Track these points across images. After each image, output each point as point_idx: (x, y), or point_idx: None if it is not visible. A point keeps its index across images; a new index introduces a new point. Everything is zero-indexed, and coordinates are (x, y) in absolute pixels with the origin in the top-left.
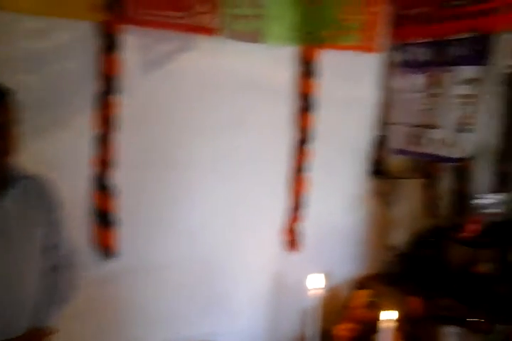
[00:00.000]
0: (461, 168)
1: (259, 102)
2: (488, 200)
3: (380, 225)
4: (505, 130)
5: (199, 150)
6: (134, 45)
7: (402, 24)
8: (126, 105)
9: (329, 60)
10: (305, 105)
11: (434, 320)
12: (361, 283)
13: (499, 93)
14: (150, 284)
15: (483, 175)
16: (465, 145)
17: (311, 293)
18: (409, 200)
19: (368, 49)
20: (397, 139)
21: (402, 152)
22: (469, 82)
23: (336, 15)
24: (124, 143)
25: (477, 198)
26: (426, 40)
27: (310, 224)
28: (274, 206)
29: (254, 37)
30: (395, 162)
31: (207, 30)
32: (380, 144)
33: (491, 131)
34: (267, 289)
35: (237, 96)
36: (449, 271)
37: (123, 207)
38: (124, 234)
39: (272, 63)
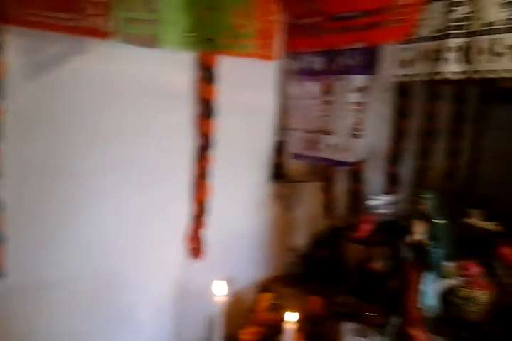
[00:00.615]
0: (355, 171)
1: (159, 108)
2: (380, 201)
3: (282, 228)
4: (394, 135)
5: (95, 159)
6: (19, 47)
7: (295, 34)
8: (12, 111)
9: (228, 66)
10: (205, 111)
11: (334, 318)
12: (265, 286)
13: (387, 100)
14: (44, 303)
15: (375, 177)
16: (357, 149)
17: (215, 299)
18: (309, 203)
19: (265, 57)
20: (296, 144)
21: (300, 157)
22: (360, 90)
23: (231, 22)
24: (10, 152)
25: (369, 199)
26: (319, 50)
27: (213, 231)
28: (178, 213)
29: (149, 41)
30: (294, 166)
31: (99, 34)
32: (280, 149)
33: (381, 136)
34: (172, 298)
35: (136, 102)
36: (346, 269)
37: (10, 222)
38: (12, 252)
39: (171, 69)
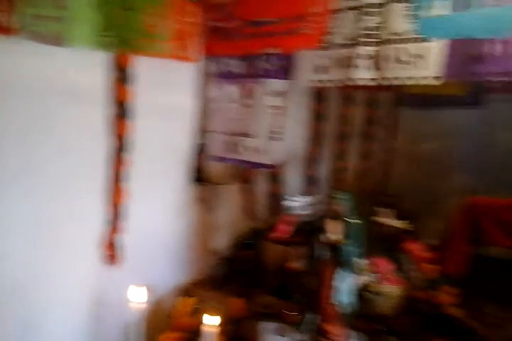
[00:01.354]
0: (274, 173)
1: (71, 108)
2: (297, 202)
3: (204, 231)
4: (311, 138)
5: (1, 162)
6: None
7: (213, 37)
8: None
9: (146, 67)
10: (121, 112)
11: (255, 318)
12: (186, 291)
13: (304, 104)
14: None
15: (293, 178)
16: (276, 152)
17: (132, 306)
18: (230, 205)
19: (183, 58)
20: (216, 147)
21: (220, 159)
22: (278, 94)
23: (146, 23)
24: None
25: (287, 200)
26: (237, 54)
27: (132, 235)
28: (93, 218)
29: (56, 39)
30: (215, 169)
31: (3, 30)
32: (200, 152)
33: (299, 139)
34: (87, 307)
35: (45, 102)
36: (267, 269)
37: None
38: None
39: (84, 68)
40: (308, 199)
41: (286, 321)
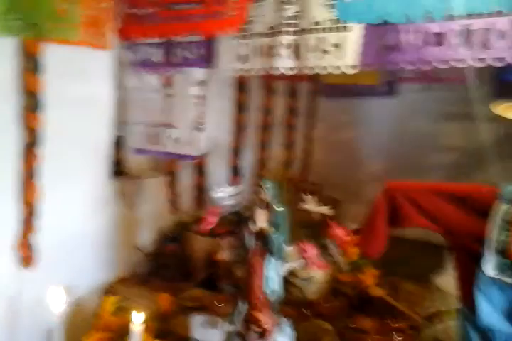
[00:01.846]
0: (199, 164)
1: None
2: (223, 193)
3: (127, 226)
4: (234, 128)
5: None
6: None
7: (130, 22)
8: None
9: (58, 56)
10: (31, 104)
11: (183, 313)
12: (110, 289)
13: (227, 94)
14: None
15: (218, 170)
16: (200, 143)
17: (52, 308)
18: (153, 199)
19: (97, 46)
20: (137, 139)
21: (142, 151)
22: (199, 83)
23: (55, 7)
24: None
25: (213, 191)
26: (155, 41)
27: (48, 234)
28: (4, 217)
29: None
30: (136, 162)
31: None
32: (120, 144)
33: (222, 130)
34: (2, 313)
35: None
36: (195, 262)
37: None
38: None
39: None
40: (233, 189)
41: (217, 313)
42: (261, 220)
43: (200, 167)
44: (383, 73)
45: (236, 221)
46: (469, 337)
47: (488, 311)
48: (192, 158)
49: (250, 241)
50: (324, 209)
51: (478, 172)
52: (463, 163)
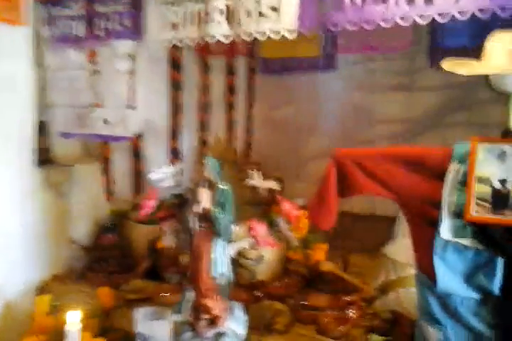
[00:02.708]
0: (134, 148)
1: None
2: (162, 174)
3: (59, 218)
4: (171, 108)
5: None
6: None
7: None
8: None
9: None
10: None
11: (127, 306)
12: (44, 287)
13: (160, 72)
14: None
15: (156, 153)
16: (132, 122)
17: None
18: (88, 187)
19: (10, 20)
20: (63, 122)
21: (69, 135)
22: (127, 57)
23: None
24: None
25: (151, 173)
26: (76, 13)
27: None
28: None
29: None
30: (66, 148)
31: None
32: (45, 130)
33: (158, 110)
34: None
35: None
36: (135, 252)
37: None
38: None
39: None
40: (172, 169)
41: (163, 303)
42: (204, 200)
43: (136, 151)
44: (322, 44)
45: (178, 204)
46: (428, 304)
47: (447, 276)
48: (125, 139)
49: (194, 224)
50: (271, 184)
51: (420, 141)
52: (405, 133)
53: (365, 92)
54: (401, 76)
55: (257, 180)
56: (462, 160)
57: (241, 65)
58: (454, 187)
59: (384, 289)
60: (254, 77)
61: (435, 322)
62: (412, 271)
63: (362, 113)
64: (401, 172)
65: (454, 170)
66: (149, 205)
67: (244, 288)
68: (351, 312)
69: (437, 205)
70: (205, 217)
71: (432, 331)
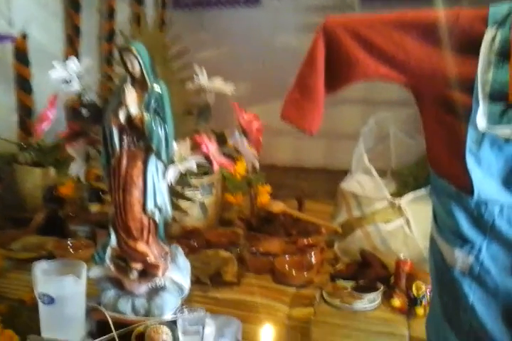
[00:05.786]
0: (22, 77)
1: None
2: (65, 72)
3: None
4: (68, 32)
5: None
6: None
7: None
8: None
9: None
10: None
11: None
12: None
13: None
14: None
15: (49, 87)
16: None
17: None
18: None
19: None
20: None
21: None
22: None
23: None
24: None
25: (50, 71)
26: None
27: None
28: None
29: None
30: None
31: None
32: None
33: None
34: None
35: None
36: (29, 202)
37: None
38: None
39: None
40: (80, 67)
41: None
42: (132, 104)
43: (23, 81)
44: None
45: (92, 116)
46: (454, 219)
47: (484, 178)
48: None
49: (119, 139)
50: (223, 86)
51: None
52: None
53: (290, 32)
54: (329, 13)
55: (204, 79)
56: (501, 24)
57: None
58: (490, 60)
59: (348, 228)
60: (165, 12)
61: (464, 242)
62: (379, 206)
63: (286, 56)
64: (416, 43)
65: (489, 38)
66: (50, 117)
67: (176, 238)
68: (313, 256)
69: (467, 86)
70: (134, 128)
71: (458, 255)
